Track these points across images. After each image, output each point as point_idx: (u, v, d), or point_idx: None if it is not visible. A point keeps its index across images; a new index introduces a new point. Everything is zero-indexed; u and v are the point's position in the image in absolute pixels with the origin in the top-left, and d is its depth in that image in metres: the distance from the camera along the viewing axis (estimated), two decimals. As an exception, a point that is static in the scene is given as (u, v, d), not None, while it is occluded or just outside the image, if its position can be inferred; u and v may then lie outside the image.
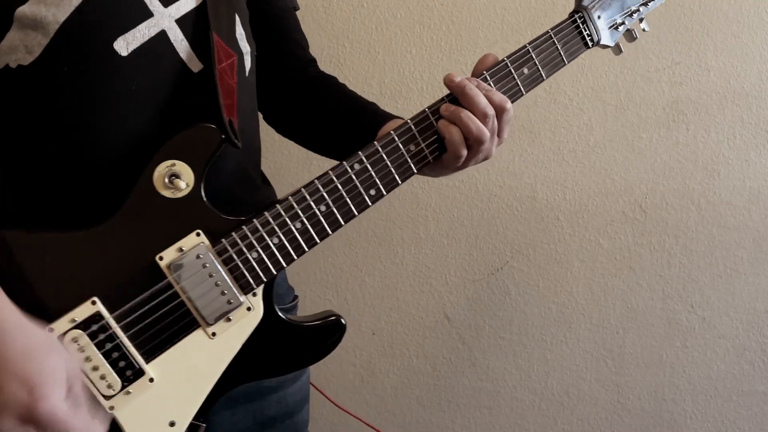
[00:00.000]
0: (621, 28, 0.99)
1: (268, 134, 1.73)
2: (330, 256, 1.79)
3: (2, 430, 0.66)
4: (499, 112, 0.87)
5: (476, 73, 0.90)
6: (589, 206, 1.78)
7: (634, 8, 0.98)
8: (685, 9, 1.69)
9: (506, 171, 1.76)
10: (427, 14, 1.68)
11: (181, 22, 0.82)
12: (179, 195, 0.78)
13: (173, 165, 0.77)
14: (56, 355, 0.68)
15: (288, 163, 1.73)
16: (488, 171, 1.76)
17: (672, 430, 1.92)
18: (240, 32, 0.90)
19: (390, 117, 0.98)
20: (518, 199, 1.77)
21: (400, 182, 0.88)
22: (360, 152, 0.86)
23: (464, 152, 0.87)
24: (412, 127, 0.87)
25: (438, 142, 0.88)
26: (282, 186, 0.98)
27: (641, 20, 1.02)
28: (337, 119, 1.02)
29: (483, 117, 0.85)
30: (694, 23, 1.70)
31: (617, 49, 1.01)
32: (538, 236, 1.80)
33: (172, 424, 0.79)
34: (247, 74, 0.91)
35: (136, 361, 0.77)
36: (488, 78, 0.89)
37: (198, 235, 0.79)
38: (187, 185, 0.78)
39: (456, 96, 0.86)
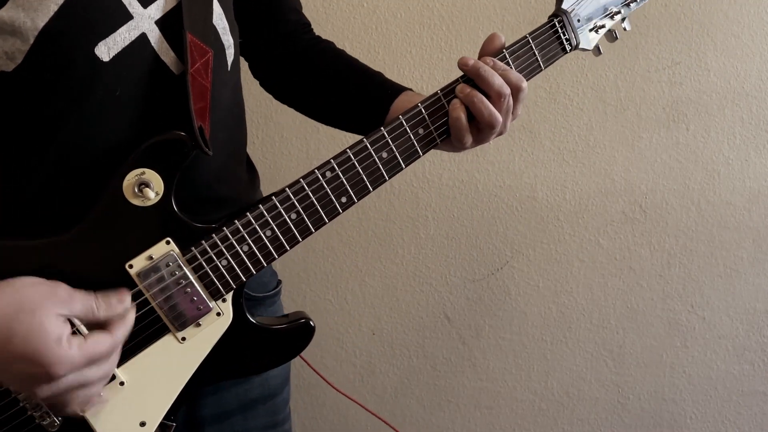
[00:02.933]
0: (601, 31, 0.96)
1: (268, 135, 1.74)
2: (330, 256, 1.79)
3: (41, 398, 0.65)
4: (515, 91, 0.87)
5: (485, 52, 0.90)
6: (589, 206, 1.78)
7: (615, 9, 0.96)
8: (685, 9, 1.69)
9: (506, 171, 1.76)
10: (427, 14, 1.68)
11: (160, 23, 0.80)
12: (149, 203, 0.78)
13: (143, 173, 0.77)
14: (37, 311, 0.66)
15: (288, 163, 1.73)
16: (488, 171, 1.76)
17: (672, 430, 1.92)
18: (224, 25, 0.88)
19: (399, 89, 0.98)
20: (518, 199, 1.77)
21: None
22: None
23: (468, 139, 0.88)
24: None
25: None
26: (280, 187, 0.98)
27: (623, 20, 0.99)
28: (345, 91, 1.01)
29: (498, 97, 0.86)
30: (694, 23, 1.70)
31: (597, 51, 0.99)
32: (538, 236, 1.80)
33: (142, 424, 0.80)
34: (229, 68, 0.89)
35: None
36: (507, 56, 0.89)
37: (168, 243, 0.79)
38: (157, 194, 0.77)
39: (473, 78, 0.86)
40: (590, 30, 0.95)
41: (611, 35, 0.99)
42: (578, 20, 0.93)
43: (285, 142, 1.73)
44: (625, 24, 1.00)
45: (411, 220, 1.78)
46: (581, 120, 1.74)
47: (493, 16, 1.68)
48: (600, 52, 0.99)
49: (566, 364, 1.87)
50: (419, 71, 1.70)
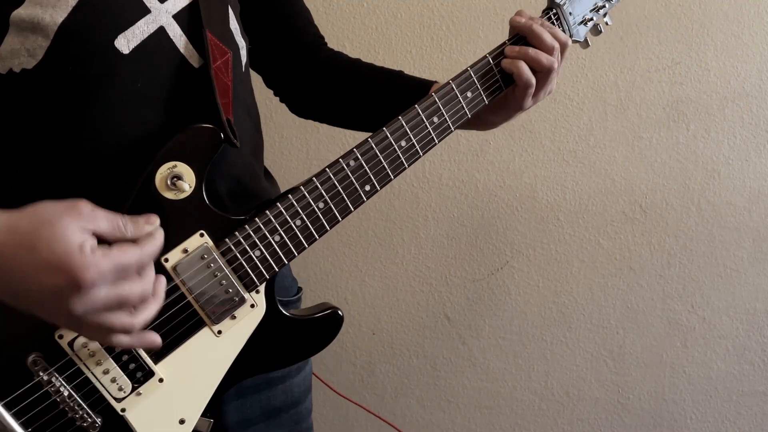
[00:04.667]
0: (589, 24, 1.03)
1: (268, 135, 1.73)
2: (330, 256, 1.79)
3: (78, 315, 0.63)
4: (563, 47, 0.93)
5: (516, 27, 0.95)
6: (589, 206, 1.78)
7: (600, 4, 1.03)
8: (685, 9, 1.69)
9: (506, 171, 1.76)
10: (427, 14, 1.68)
11: (178, 17, 0.81)
12: (182, 196, 0.77)
13: (175, 167, 0.77)
14: (57, 222, 0.64)
15: (288, 163, 1.73)
16: (488, 171, 1.76)
17: (672, 430, 1.92)
18: (234, 26, 0.89)
19: (428, 82, 1.01)
20: (518, 199, 1.77)
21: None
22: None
23: (533, 81, 0.92)
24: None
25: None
26: (281, 187, 0.98)
27: (605, 15, 1.06)
28: (377, 95, 1.03)
29: (550, 51, 0.92)
30: (694, 23, 1.70)
31: (585, 44, 1.05)
32: (538, 236, 1.80)
33: (182, 421, 0.80)
34: (243, 69, 0.91)
35: (146, 363, 0.77)
36: (552, 17, 0.96)
37: (202, 235, 0.79)
38: (190, 186, 0.77)
39: (525, 35, 0.92)
40: (579, 23, 1.02)
41: (596, 29, 1.05)
42: (570, 13, 0.99)
43: (285, 142, 1.73)
44: (607, 18, 1.06)
45: (411, 220, 1.78)
46: (581, 120, 1.74)
47: (493, 16, 1.68)
48: (588, 45, 1.05)
49: (566, 364, 1.87)
50: (419, 71, 1.69)
